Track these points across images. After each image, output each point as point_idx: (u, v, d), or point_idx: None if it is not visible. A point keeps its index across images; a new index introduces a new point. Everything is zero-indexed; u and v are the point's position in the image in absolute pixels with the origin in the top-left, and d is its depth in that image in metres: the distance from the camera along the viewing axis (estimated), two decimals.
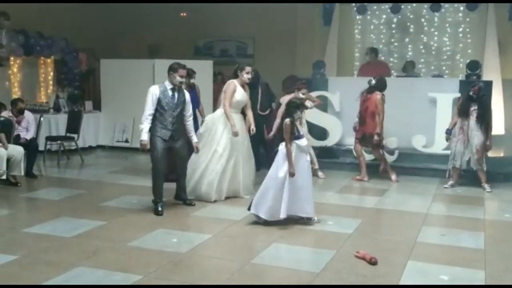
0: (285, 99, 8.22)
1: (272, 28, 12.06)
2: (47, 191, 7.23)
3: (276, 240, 5.18)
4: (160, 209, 6.00)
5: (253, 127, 6.81)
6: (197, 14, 12.81)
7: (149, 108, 5.89)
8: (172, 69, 5.98)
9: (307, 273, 4.39)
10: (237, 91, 6.69)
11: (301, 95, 7.41)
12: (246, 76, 6.73)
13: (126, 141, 10.68)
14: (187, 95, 6.15)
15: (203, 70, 9.16)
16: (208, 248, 5.02)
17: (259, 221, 5.63)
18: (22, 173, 7.48)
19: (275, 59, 11.32)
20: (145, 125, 5.90)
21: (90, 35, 12.49)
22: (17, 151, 7.31)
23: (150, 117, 5.90)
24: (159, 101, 5.89)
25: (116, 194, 6.95)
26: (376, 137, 7.71)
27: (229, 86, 6.70)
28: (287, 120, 5.47)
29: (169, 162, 6.63)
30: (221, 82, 9.64)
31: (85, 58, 12.40)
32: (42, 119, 8.98)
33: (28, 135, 8.10)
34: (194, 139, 6.24)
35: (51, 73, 11.71)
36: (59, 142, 9.49)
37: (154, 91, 5.92)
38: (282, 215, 5.47)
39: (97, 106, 11.18)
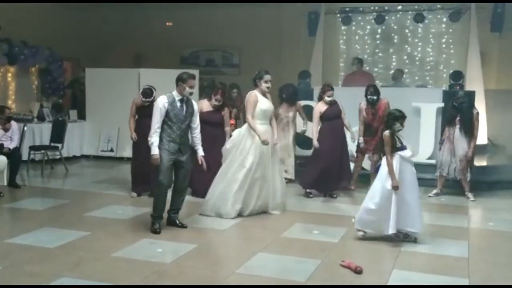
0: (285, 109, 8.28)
1: (258, 38, 12.13)
2: (30, 201, 7.14)
3: (262, 250, 5.17)
4: (158, 226, 5.67)
5: (275, 137, 6.51)
6: (183, 24, 12.84)
7: (158, 121, 5.53)
8: (181, 80, 5.61)
9: (292, 282, 4.39)
10: (259, 100, 6.31)
11: (327, 99, 7.34)
12: (264, 85, 6.34)
13: (111, 150, 10.61)
14: (195, 106, 5.81)
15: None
16: (193, 258, 4.99)
17: (364, 236, 5.49)
18: (5, 183, 7.38)
19: (260, 68, 11.33)
20: (155, 139, 5.53)
21: (76, 45, 12.46)
22: (0, 160, 7.21)
23: (159, 130, 5.54)
24: (167, 113, 5.53)
25: (101, 204, 6.89)
26: None
27: (249, 97, 6.34)
28: (387, 132, 5.32)
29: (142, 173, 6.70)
30: (238, 96, 9.25)
31: (70, 67, 12.34)
32: (25, 128, 8.89)
33: (11, 145, 8.00)
34: (201, 152, 5.83)
35: (36, 82, 11.62)
36: (43, 151, 9.41)
37: (162, 103, 5.53)
38: (391, 231, 5.25)
39: (81, 115, 11.11)
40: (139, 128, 7.17)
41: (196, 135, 5.80)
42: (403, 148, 5.36)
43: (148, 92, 7.13)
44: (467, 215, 6.81)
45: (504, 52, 10.73)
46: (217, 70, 12.99)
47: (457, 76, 9.52)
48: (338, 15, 11.80)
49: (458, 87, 9.11)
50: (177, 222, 5.86)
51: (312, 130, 7.49)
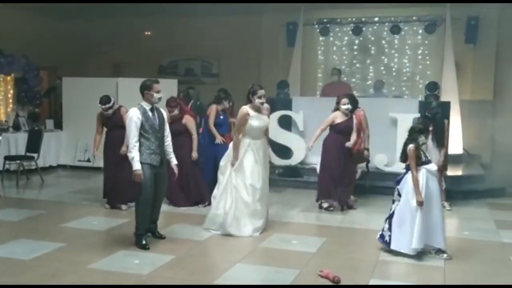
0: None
1: (237, 47, 12.17)
2: (5, 212, 7.01)
3: (240, 261, 5.15)
4: (145, 242, 5.47)
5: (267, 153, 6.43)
6: (162, 33, 12.82)
7: (135, 135, 5.33)
8: (146, 88, 5.44)
9: None
10: (251, 117, 6.06)
11: (343, 107, 7.27)
12: (258, 101, 6.08)
13: (88, 160, 10.49)
14: (164, 114, 5.70)
15: (167, 89, 9.10)
16: (170, 269, 4.95)
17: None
18: None
19: (240, 78, 11.34)
20: (135, 153, 5.31)
21: (53, 53, 12.33)
22: None
23: (138, 144, 5.34)
24: (142, 125, 5.35)
25: (77, 215, 6.80)
26: (366, 152, 7.76)
27: (240, 114, 6.10)
28: (411, 146, 5.20)
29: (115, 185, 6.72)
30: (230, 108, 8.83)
31: (47, 76, 12.20)
32: (0, 138, 8.75)
33: None
34: (174, 161, 5.68)
35: (11, 91, 11.45)
36: (18, 161, 9.26)
37: (136, 115, 5.34)
38: (415, 245, 5.15)
39: (58, 125, 10.98)
40: (107, 140, 7.15)
41: (168, 143, 5.66)
42: (427, 161, 5.28)
43: (104, 99, 6.99)
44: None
45: (478, 63, 10.95)
46: (196, 80, 12.97)
47: (433, 87, 9.67)
48: (316, 26, 11.92)
49: (433, 98, 9.26)
50: (156, 233, 5.78)
51: (315, 133, 7.42)
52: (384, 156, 8.86)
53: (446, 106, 8.69)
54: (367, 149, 7.71)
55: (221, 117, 7.97)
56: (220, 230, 6.06)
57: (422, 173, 5.23)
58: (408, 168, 5.35)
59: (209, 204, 7.29)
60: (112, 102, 7.01)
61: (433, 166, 5.30)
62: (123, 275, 4.69)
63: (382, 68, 11.78)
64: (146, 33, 13.32)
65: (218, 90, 8.14)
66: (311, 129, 9.07)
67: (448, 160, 7.83)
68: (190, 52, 12.89)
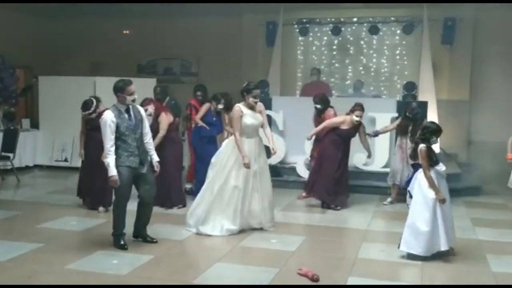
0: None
1: (217, 47, 12.14)
2: None
3: (220, 260, 5.14)
4: (124, 242, 5.40)
5: (273, 146, 6.25)
6: (141, 32, 12.72)
7: (110, 139, 5.19)
8: (119, 89, 5.29)
9: None
10: (244, 115, 6.06)
11: (355, 118, 7.29)
12: (252, 100, 6.08)
13: (66, 160, 10.37)
14: (143, 112, 5.54)
15: (146, 88, 9.03)
16: (149, 269, 4.92)
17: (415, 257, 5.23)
18: None
19: (219, 78, 11.34)
20: (110, 159, 5.18)
21: (29, 52, 12.14)
22: None
23: (113, 148, 5.21)
24: (117, 128, 5.22)
25: (54, 216, 6.71)
26: None
27: (234, 113, 6.10)
28: (423, 146, 5.14)
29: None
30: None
31: (23, 75, 12.01)
32: None
33: None
34: (155, 157, 5.55)
35: None
36: None
37: (110, 118, 5.20)
38: (443, 247, 5.13)
39: (35, 124, 10.82)
40: (89, 141, 6.98)
41: (148, 141, 5.50)
42: (438, 162, 5.26)
43: (88, 103, 6.84)
44: None
45: (455, 63, 11.11)
46: (175, 79, 12.90)
47: (410, 87, 9.81)
48: (296, 26, 11.95)
49: (411, 98, 9.37)
50: (147, 237, 5.61)
51: (314, 129, 7.50)
52: (362, 155, 8.91)
53: (423, 105, 8.80)
54: None
55: (214, 118, 7.84)
56: (194, 228, 6.06)
57: (432, 173, 5.20)
58: (415, 167, 5.38)
59: (184, 206, 7.33)
60: (93, 108, 6.81)
61: (442, 167, 5.28)
62: (101, 276, 4.65)
63: (361, 68, 11.87)
64: (124, 32, 13.21)
65: (222, 93, 7.92)
66: (291, 129, 9.15)
67: None
68: (169, 51, 12.82)
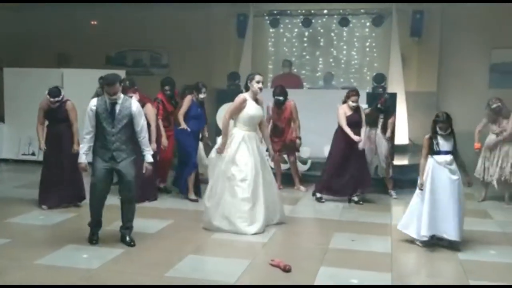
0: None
1: (187, 38, 12.02)
2: None
3: (192, 252, 5.13)
4: (95, 237, 5.31)
5: (270, 151, 6.25)
6: (109, 23, 12.50)
7: (86, 126, 5.16)
8: (106, 84, 5.20)
9: (222, 283, 4.39)
10: (248, 105, 5.86)
11: (351, 104, 7.26)
12: (256, 86, 5.88)
13: (33, 154, 10.16)
14: (134, 106, 5.22)
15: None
16: (120, 263, 4.87)
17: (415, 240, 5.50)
18: None
19: (190, 69, 11.26)
20: (82, 145, 5.21)
21: None
22: None
23: (88, 136, 5.15)
24: (97, 117, 5.12)
25: (22, 210, 6.58)
26: (298, 141, 7.91)
27: (237, 99, 5.94)
28: (426, 136, 5.43)
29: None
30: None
31: None
32: None
33: None
34: (147, 158, 5.31)
35: None
36: None
37: (90, 106, 5.15)
38: (423, 233, 5.31)
39: (0, 118, 10.57)
40: (49, 135, 6.70)
41: (140, 139, 5.28)
42: (440, 152, 5.37)
43: (55, 91, 6.56)
44: (390, 212, 7.10)
45: (423, 55, 11.26)
46: (145, 71, 12.75)
47: (380, 79, 9.93)
48: (267, 17, 11.94)
49: (381, 89, 9.48)
50: (126, 239, 5.35)
51: (346, 130, 7.25)
52: None
53: (392, 97, 8.92)
54: (299, 138, 7.92)
55: (198, 109, 7.39)
56: (208, 225, 5.85)
57: (430, 162, 5.39)
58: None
59: (155, 199, 7.28)
60: (61, 96, 6.60)
61: (443, 158, 5.36)
62: (71, 270, 4.59)
63: (331, 60, 11.94)
64: (92, 22, 12.96)
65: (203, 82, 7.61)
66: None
67: (394, 150, 8.07)
68: (139, 42, 12.65)
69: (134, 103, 5.26)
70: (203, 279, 4.49)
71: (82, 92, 7.76)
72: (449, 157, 5.37)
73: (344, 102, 7.41)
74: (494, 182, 7.48)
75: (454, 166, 5.38)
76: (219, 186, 5.84)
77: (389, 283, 4.49)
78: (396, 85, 10.48)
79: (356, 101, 7.31)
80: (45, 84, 9.59)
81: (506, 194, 7.56)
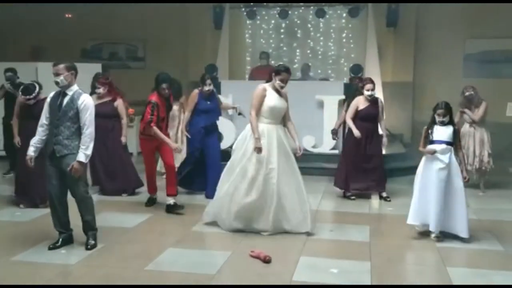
0: None
1: (163, 31, 11.93)
2: None
3: (172, 245, 5.12)
4: (58, 243, 4.99)
5: (298, 144, 5.64)
6: (84, 16, 12.32)
7: (41, 118, 4.96)
8: None
9: (203, 275, 4.39)
10: (268, 95, 5.47)
11: (366, 93, 6.92)
12: (278, 83, 5.49)
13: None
14: (82, 101, 4.83)
15: (91, 74, 8.78)
16: (99, 257, 4.83)
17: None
18: None
19: (166, 62, 11.17)
20: (33, 138, 4.98)
21: None
22: None
23: (41, 129, 4.93)
24: (49, 108, 4.93)
25: None
26: None
27: (256, 90, 5.51)
28: (425, 126, 5.43)
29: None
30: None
31: None
32: None
33: None
34: (79, 156, 4.80)
35: None
36: None
37: (48, 97, 5.00)
38: (409, 221, 5.42)
39: None
40: (23, 131, 6.42)
41: (84, 136, 4.84)
42: (434, 142, 5.35)
43: (31, 88, 6.28)
44: (368, 201, 7.17)
45: (399, 46, 11.37)
46: (121, 64, 12.62)
47: (357, 69, 10.01)
48: (243, 9, 11.90)
49: (357, 80, 9.52)
50: (87, 241, 5.06)
51: (348, 122, 7.05)
52: (311, 137, 9.07)
53: None
54: None
55: (208, 102, 7.01)
56: (212, 219, 5.64)
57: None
58: None
59: (133, 193, 7.23)
60: (35, 94, 6.28)
61: (435, 147, 5.33)
62: (49, 266, 4.54)
63: (308, 51, 11.98)
64: (66, 15, 12.76)
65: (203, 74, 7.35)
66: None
67: None
68: (115, 35, 12.51)
69: (82, 97, 4.87)
70: (183, 272, 4.49)
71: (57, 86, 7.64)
72: (443, 147, 5.33)
73: (360, 94, 7.12)
74: (474, 171, 7.59)
75: (448, 157, 5.30)
76: (231, 182, 5.49)
77: (368, 271, 4.54)
78: (372, 76, 10.45)
79: (371, 89, 6.91)
80: (19, 78, 9.48)
81: (481, 182, 7.71)
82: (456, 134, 5.43)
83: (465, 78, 10.33)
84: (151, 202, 6.71)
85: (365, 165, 7.07)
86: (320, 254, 4.99)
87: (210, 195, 6.37)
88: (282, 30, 12.04)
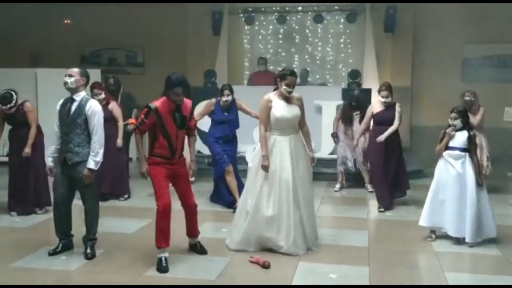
0: None
1: (162, 36, 11.95)
2: None
3: (171, 251, 5.11)
4: (57, 249, 4.97)
5: (311, 154, 5.26)
6: (83, 22, 12.35)
7: (54, 127, 4.98)
8: None
9: (202, 281, 4.41)
10: (274, 106, 5.07)
11: (380, 99, 6.90)
12: (284, 89, 5.06)
13: (7, 155, 9.97)
14: (90, 107, 4.82)
15: (91, 80, 8.79)
16: (99, 263, 4.85)
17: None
18: None
19: (165, 68, 11.10)
20: (49, 148, 5.03)
21: None
22: None
23: (55, 137, 4.95)
24: (59, 115, 4.93)
25: None
26: None
27: (261, 102, 5.13)
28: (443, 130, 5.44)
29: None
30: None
31: None
32: None
33: None
34: (89, 163, 4.81)
35: None
36: None
37: (58, 104, 4.98)
38: (420, 222, 5.51)
39: None
40: (12, 138, 6.48)
41: (93, 142, 4.85)
42: (449, 148, 5.39)
43: (8, 97, 6.21)
44: (367, 206, 7.19)
45: (397, 51, 11.39)
46: (120, 70, 12.62)
47: (355, 75, 10.05)
48: (242, 15, 11.94)
49: (356, 85, 9.57)
50: (86, 251, 4.97)
51: (361, 127, 7.08)
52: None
53: (367, 92, 9.03)
54: None
55: (225, 113, 6.80)
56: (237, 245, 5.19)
57: (442, 157, 5.45)
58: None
59: (129, 197, 7.24)
60: (14, 101, 6.27)
61: (451, 153, 5.38)
62: (49, 272, 4.56)
63: (307, 56, 12.00)
64: (65, 21, 12.79)
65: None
66: (239, 118, 9.13)
67: None
68: (113, 41, 12.53)
69: (89, 103, 4.86)
70: (182, 277, 4.50)
71: (57, 92, 7.65)
72: (457, 153, 5.37)
73: (356, 102, 7.20)
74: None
75: (460, 164, 5.34)
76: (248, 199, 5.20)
77: (367, 276, 4.56)
78: (371, 81, 10.58)
79: (385, 96, 6.81)
80: (18, 84, 9.45)
81: None
82: (472, 140, 5.42)
83: (463, 83, 10.37)
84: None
85: (390, 172, 6.89)
86: (319, 259, 5.00)
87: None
88: (280, 36, 12.07)
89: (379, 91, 6.95)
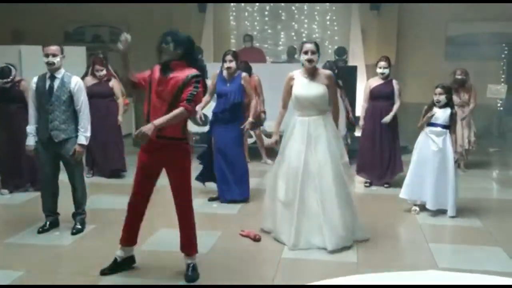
0: None
1: (147, 13, 11.87)
2: None
3: (164, 226, 5.22)
4: (45, 227, 4.97)
5: (341, 132, 4.97)
6: None
7: (30, 105, 4.87)
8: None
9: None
10: (295, 83, 4.64)
11: (378, 70, 6.73)
12: (303, 58, 4.59)
13: None
14: (74, 84, 4.80)
15: (75, 57, 8.75)
16: (93, 238, 4.93)
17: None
18: None
19: (150, 45, 11.05)
20: (29, 127, 4.87)
21: None
22: None
23: (34, 115, 4.85)
24: (36, 94, 4.80)
25: None
26: (263, 115, 7.80)
27: (285, 81, 4.82)
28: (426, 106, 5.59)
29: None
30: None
31: None
32: None
33: None
34: (80, 139, 4.81)
35: None
36: None
37: (31, 82, 4.87)
38: (401, 194, 5.73)
39: None
40: (2, 114, 6.32)
41: (81, 118, 4.82)
42: (433, 125, 5.53)
43: (6, 70, 6.15)
44: (352, 181, 7.30)
45: (382, 29, 11.49)
46: (105, 47, 12.52)
47: (341, 52, 10.09)
48: None
49: (342, 63, 9.64)
50: (75, 225, 5.03)
51: (362, 108, 6.90)
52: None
53: (353, 70, 9.11)
54: (264, 112, 7.58)
55: (227, 84, 6.08)
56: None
57: (423, 132, 5.62)
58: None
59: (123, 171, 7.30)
60: (12, 76, 6.19)
61: (431, 128, 5.54)
62: (43, 247, 4.63)
63: (293, 33, 12.02)
64: None
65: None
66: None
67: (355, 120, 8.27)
68: (97, 18, 12.41)
69: (73, 79, 4.86)
70: (176, 251, 4.58)
71: (41, 70, 7.61)
72: (438, 130, 5.52)
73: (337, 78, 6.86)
74: (464, 152, 7.72)
75: (442, 140, 5.48)
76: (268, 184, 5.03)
77: (354, 248, 4.70)
78: (356, 58, 10.68)
79: (383, 67, 6.58)
80: (1, 62, 9.39)
81: (462, 162, 7.90)
82: (453, 117, 5.57)
83: (447, 61, 10.51)
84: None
85: (379, 151, 6.81)
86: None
87: (223, 198, 6.02)
88: (266, 13, 12.06)
89: (377, 63, 6.80)
